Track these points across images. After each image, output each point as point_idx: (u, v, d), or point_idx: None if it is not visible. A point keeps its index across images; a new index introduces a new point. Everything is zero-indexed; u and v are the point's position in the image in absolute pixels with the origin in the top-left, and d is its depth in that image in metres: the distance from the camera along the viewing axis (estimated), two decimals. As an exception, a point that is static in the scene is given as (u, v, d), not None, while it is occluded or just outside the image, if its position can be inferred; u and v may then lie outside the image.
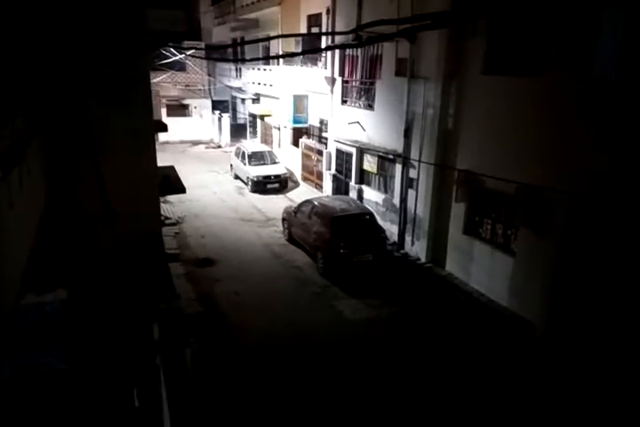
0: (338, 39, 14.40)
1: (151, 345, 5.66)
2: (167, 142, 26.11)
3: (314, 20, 18.26)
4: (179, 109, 28.78)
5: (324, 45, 15.60)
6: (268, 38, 5.72)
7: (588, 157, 7.88)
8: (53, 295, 4.76)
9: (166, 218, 14.91)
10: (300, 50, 18.53)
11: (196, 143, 28.64)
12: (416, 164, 12.10)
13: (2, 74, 3.94)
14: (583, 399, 7.20)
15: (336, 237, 11.47)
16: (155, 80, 23.71)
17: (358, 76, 14.84)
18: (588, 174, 7.79)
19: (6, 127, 2.92)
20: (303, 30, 18.82)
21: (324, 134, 17.53)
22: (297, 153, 19.86)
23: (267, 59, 20.97)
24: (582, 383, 7.47)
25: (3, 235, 2.51)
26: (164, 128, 7.64)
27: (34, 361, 5.09)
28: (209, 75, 29.07)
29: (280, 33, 19.83)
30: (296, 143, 20.12)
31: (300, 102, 18.57)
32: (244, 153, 20.01)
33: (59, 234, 4.55)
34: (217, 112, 28.88)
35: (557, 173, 8.27)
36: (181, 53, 21.23)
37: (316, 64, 17.99)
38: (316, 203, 12.87)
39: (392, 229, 13.41)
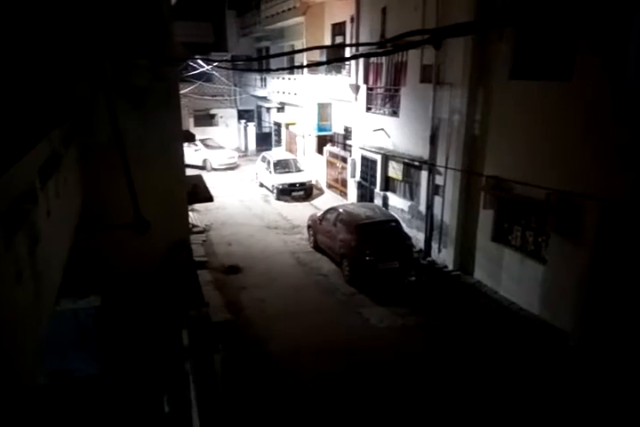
0: (362, 47, 14.45)
1: (181, 351, 5.74)
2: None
3: (338, 28, 18.40)
4: (206, 119, 29.27)
5: (348, 54, 15.68)
6: (294, 51, 5.76)
7: (621, 162, 7.69)
8: (87, 302, 4.89)
9: (194, 226, 15.11)
10: (324, 58, 18.63)
11: (222, 152, 29.03)
12: (442, 170, 11.99)
13: (40, 87, 4.10)
14: (618, 410, 6.95)
15: (362, 244, 11.43)
16: (183, 91, 24.17)
17: (383, 84, 14.83)
18: (621, 179, 7.59)
19: (44, 138, 3.03)
20: (327, 39, 18.97)
21: (348, 142, 17.56)
22: (321, 161, 19.93)
23: (292, 68, 21.12)
24: (617, 393, 7.22)
25: (41, 242, 2.59)
26: (192, 138, 7.78)
27: (67, 366, 5.22)
28: (234, 85, 29.51)
29: (305, 42, 20.04)
30: (320, 151, 20.21)
31: (324, 110, 18.68)
32: (269, 161, 20.20)
33: (93, 242, 4.67)
34: (242, 121, 29.26)
35: (589, 179, 8.09)
36: (209, 65, 21.68)
37: (340, 72, 18.07)
38: (341, 210, 12.87)
39: (418, 237, 13.29)
